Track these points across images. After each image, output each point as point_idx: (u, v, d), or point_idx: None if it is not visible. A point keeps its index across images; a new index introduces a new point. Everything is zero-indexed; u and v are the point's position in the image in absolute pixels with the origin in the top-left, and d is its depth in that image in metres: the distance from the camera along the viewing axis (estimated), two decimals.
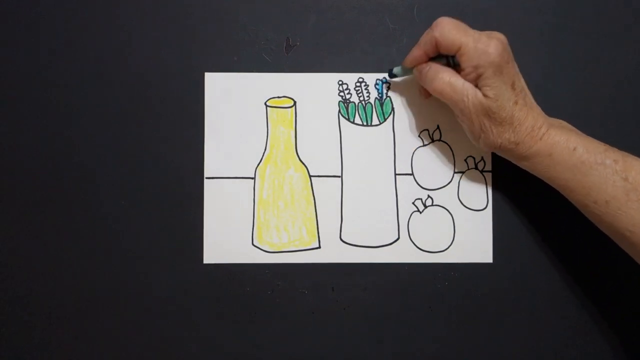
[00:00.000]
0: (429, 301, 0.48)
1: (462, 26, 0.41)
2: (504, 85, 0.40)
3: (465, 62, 0.40)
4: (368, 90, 0.48)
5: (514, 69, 0.41)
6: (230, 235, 0.48)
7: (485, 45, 0.39)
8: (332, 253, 0.48)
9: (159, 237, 0.47)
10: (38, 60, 0.48)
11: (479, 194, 0.48)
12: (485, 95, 0.40)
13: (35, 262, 0.47)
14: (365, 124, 0.48)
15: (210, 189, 0.48)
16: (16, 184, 0.47)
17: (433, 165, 0.48)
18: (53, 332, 0.47)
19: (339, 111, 0.48)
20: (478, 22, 0.48)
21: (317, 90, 0.48)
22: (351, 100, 0.48)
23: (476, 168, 0.48)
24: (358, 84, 0.48)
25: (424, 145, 0.48)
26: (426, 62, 0.43)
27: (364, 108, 0.48)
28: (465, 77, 0.41)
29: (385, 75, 0.48)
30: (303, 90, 0.48)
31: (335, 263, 0.48)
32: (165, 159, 0.48)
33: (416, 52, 0.43)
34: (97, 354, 0.47)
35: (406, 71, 0.45)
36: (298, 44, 0.48)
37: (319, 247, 0.48)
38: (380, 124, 0.48)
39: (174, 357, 0.47)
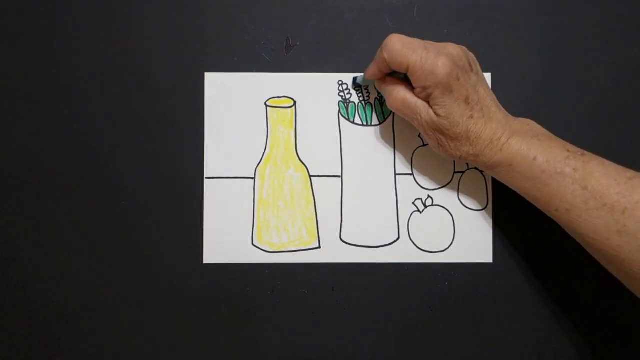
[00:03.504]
0: (429, 301, 0.48)
1: (412, 44, 0.40)
2: (455, 102, 0.39)
3: (415, 83, 0.40)
4: (368, 90, 0.48)
5: (467, 82, 0.40)
6: (230, 235, 0.48)
7: (431, 66, 0.39)
8: (332, 253, 0.48)
9: (159, 237, 0.47)
10: (38, 61, 0.48)
11: (479, 194, 0.48)
12: (436, 114, 0.40)
13: (35, 262, 0.47)
14: (365, 124, 0.48)
15: (210, 189, 0.48)
16: (16, 185, 0.47)
17: (433, 165, 0.48)
18: (53, 331, 0.47)
19: (339, 111, 0.48)
20: (478, 22, 0.48)
21: (317, 90, 0.48)
22: (351, 100, 0.48)
23: (476, 168, 0.48)
24: (355, 85, 0.48)
25: (424, 145, 0.48)
26: (384, 78, 0.43)
27: (364, 108, 0.48)
28: (417, 96, 0.41)
29: None
30: (303, 90, 0.48)
31: (335, 263, 0.48)
32: (165, 159, 0.48)
33: (372, 69, 0.43)
34: (96, 354, 0.47)
35: (368, 82, 0.46)
36: (298, 44, 0.48)
37: (319, 247, 0.48)
38: (380, 124, 0.48)
39: (174, 356, 0.47)
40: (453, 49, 0.40)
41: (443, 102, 0.39)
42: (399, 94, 0.42)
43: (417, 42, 0.40)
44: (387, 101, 0.43)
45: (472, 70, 0.41)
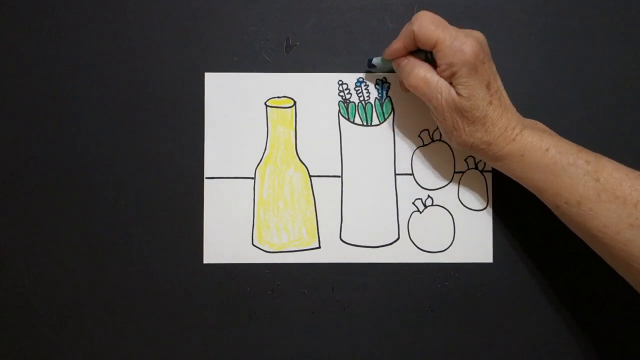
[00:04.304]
0: (429, 301, 0.48)
1: (442, 22, 0.40)
2: (478, 84, 0.40)
3: (441, 59, 0.40)
4: (368, 90, 0.48)
5: (490, 69, 0.40)
6: (230, 235, 0.48)
7: (461, 44, 0.39)
8: (332, 253, 0.48)
9: (159, 237, 0.47)
10: (38, 61, 0.48)
11: (479, 194, 0.48)
12: (458, 94, 0.40)
13: (35, 262, 0.47)
14: (365, 124, 0.48)
15: (210, 189, 0.48)
16: (16, 185, 0.47)
17: (433, 165, 0.48)
18: (52, 331, 0.47)
19: (339, 111, 0.48)
20: (478, 22, 0.48)
21: (317, 90, 0.48)
22: (351, 100, 0.48)
23: (476, 168, 0.48)
24: (358, 84, 0.48)
25: (424, 145, 0.48)
26: (405, 55, 0.43)
27: (364, 108, 0.48)
28: (440, 74, 0.41)
29: (386, 75, 0.48)
30: (303, 90, 0.48)
31: (335, 263, 0.48)
32: (165, 159, 0.48)
33: (396, 45, 0.43)
34: (96, 354, 0.47)
35: (385, 63, 0.45)
36: (298, 44, 0.48)
37: (319, 247, 0.48)
38: (380, 124, 0.48)
39: (174, 357, 0.47)
40: (480, 35, 0.41)
41: (467, 82, 0.39)
42: (420, 71, 0.42)
43: (446, 22, 0.41)
44: (405, 80, 0.43)
45: (491, 60, 0.41)
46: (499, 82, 0.41)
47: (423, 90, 0.42)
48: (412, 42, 0.41)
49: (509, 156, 0.41)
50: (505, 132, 0.40)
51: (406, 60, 0.43)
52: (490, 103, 0.40)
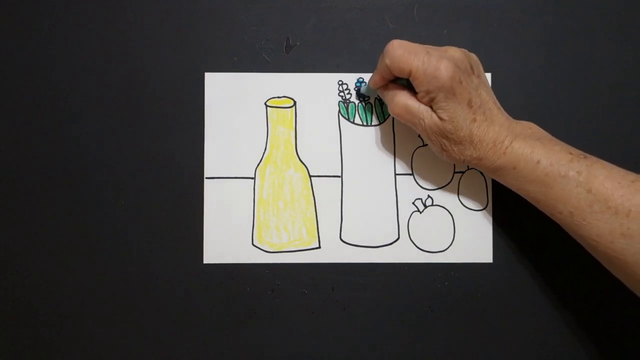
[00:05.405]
0: (429, 301, 0.48)
1: (413, 49, 0.40)
2: (458, 106, 0.39)
3: (418, 87, 0.40)
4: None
5: (469, 85, 0.40)
6: (230, 235, 0.48)
7: (434, 70, 0.38)
8: (332, 253, 0.48)
9: (159, 237, 0.47)
10: (38, 62, 0.48)
11: (479, 194, 0.48)
12: (440, 118, 0.40)
13: (35, 262, 0.47)
14: (365, 124, 0.48)
15: (210, 189, 0.48)
16: (16, 185, 0.47)
17: (433, 165, 0.48)
18: (52, 331, 0.47)
19: (339, 111, 0.48)
20: (478, 22, 0.48)
21: (317, 90, 0.48)
22: (351, 100, 0.48)
23: (476, 168, 0.48)
24: (358, 84, 0.48)
25: (424, 145, 0.48)
26: (386, 85, 0.43)
27: (364, 108, 0.48)
28: (420, 100, 0.41)
29: None
30: (303, 90, 0.48)
31: (335, 263, 0.48)
32: (165, 159, 0.48)
33: (375, 78, 0.43)
34: (96, 354, 0.47)
35: (372, 91, 0.46)
36: (298, 44, 0.48)
37: (319, 247, 0.48)
38: (380, 124, 0.48)
39: (174, 356, 0.47)
40: (454, 52, 0.40)
41: (446, 105, 0.39)
42: (400, 100, 0.42)
43: (418, 47, 0.40)
44: (389, 107, 0.43)
45: (473, 73, 0.41)
46: (484, 95, 0.41)
47: (406, 118, 0.42)
48: (389, 73, 0.41)
49: (502, 169, 0.40)
50: (494, 147, 0.40)
51: (387, 90, 0.43)
52: (474, 120, 0.40)
